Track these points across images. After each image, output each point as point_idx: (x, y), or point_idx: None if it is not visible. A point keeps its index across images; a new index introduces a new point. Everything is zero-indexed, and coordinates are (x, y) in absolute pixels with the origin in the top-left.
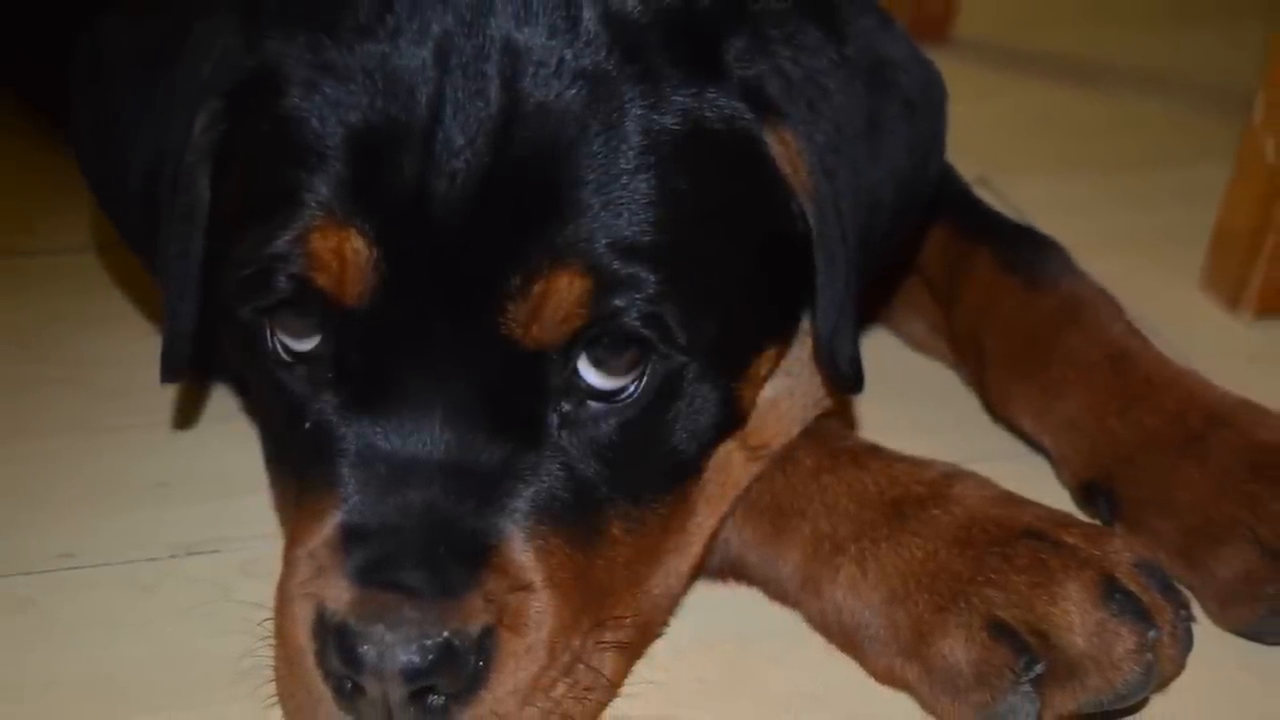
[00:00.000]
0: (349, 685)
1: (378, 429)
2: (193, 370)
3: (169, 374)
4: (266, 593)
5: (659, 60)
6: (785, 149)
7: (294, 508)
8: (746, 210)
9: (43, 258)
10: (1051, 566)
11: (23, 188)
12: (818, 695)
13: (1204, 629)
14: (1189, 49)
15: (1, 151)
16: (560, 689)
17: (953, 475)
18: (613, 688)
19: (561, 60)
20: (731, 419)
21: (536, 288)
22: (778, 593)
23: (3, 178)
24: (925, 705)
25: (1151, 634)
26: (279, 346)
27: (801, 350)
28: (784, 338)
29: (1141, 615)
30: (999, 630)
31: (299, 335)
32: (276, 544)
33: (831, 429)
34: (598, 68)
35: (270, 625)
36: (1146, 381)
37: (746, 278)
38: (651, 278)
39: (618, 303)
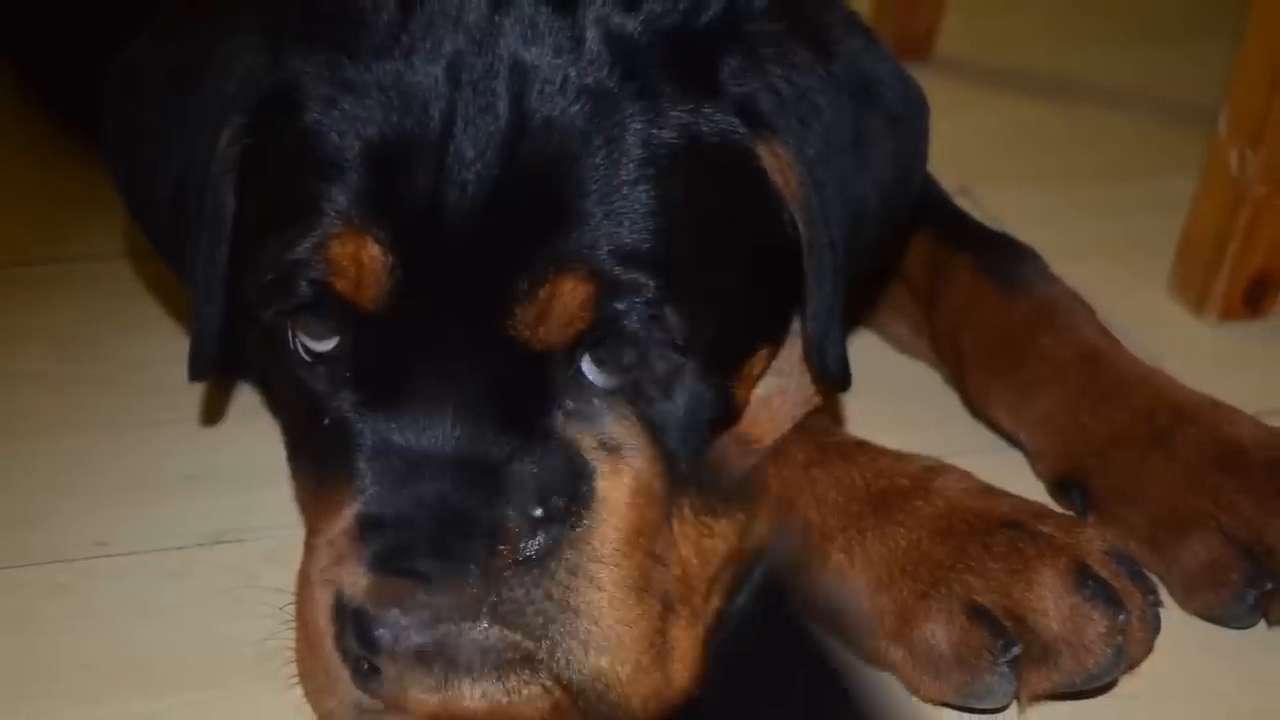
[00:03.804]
0: (365, 665)
1: (393, 425)
2: (219, 369)
3: (196, 373)
4: (289, 579)
5: (658, 78)
6: (777, 161)
7: (314, 499)
8: (740, 219)
9: (78, 263)
10: (1028, 554)
11: (59, 197)
12: None
13: (1171, 614)
14: (1156, 67)
15: (39, 163)
16: None
17: (935, 469)
18: None
19: (566, 78)
20: (726, 415)
21: (543, 292)
22: None
23: (40, 188)
24: (909, 685)
25: (1121, 618)
26: (300, 347)
27: (792, 350)
28: (776, 339)
29: (1112, 600)
30: (978, 615)
31: (319, 337)
32: (298, 533)
33: (820, 425)
34: (600, 85)
35: (292, 610)
36: (1117, 380)
37: (741, 282)
38: (651, 282)
39: (619, 306)
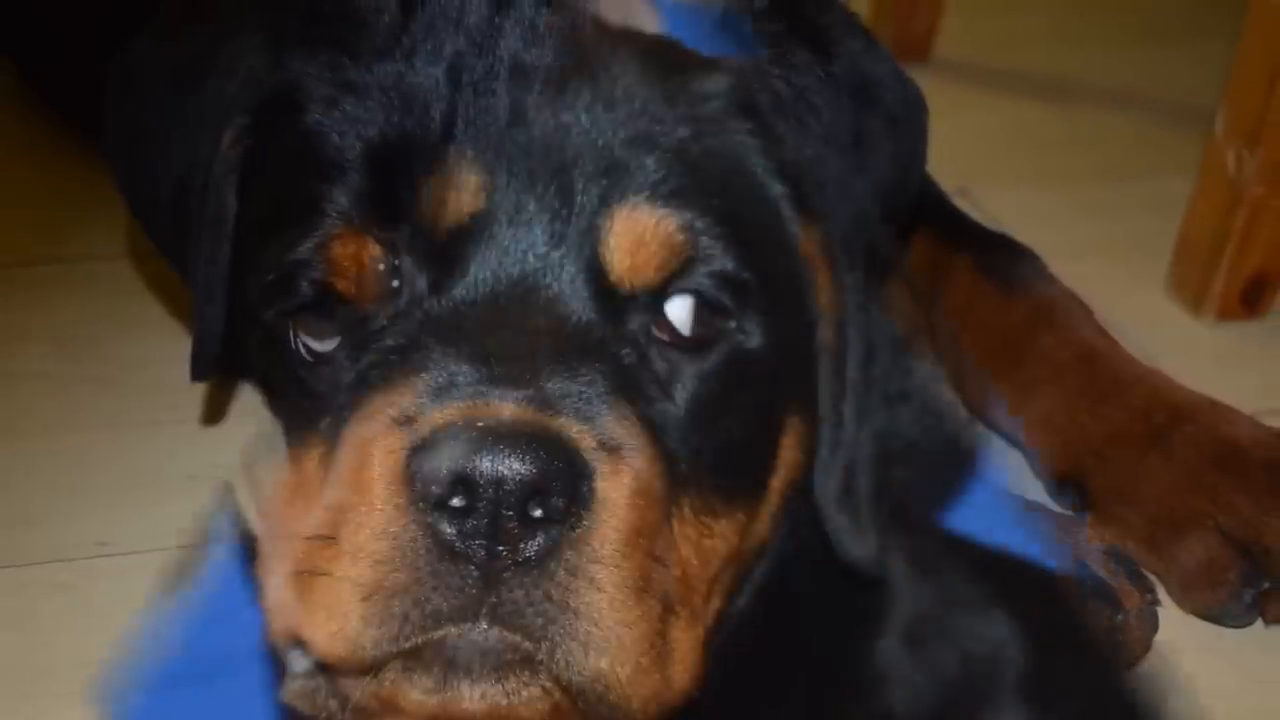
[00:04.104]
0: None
1: None
2: (220, 369)
3: (198, 372)
4: None
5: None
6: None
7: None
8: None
9: (80, 263)
10: None
11: (59, 197)
12: None
13: (1169, 612)
14: (1154, 68)
15: (39, 163)
16: None
17: None
18: None
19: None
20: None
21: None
22: None
23: (40, 188)
24: None
25: (1120, 617)
26: (301, 347)
27: None
28: None
29: (1110, 599)
30: None
31: (320, 337)
32: None
33: None
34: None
35: None
36: (1115, 380)
37: None
38: None
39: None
